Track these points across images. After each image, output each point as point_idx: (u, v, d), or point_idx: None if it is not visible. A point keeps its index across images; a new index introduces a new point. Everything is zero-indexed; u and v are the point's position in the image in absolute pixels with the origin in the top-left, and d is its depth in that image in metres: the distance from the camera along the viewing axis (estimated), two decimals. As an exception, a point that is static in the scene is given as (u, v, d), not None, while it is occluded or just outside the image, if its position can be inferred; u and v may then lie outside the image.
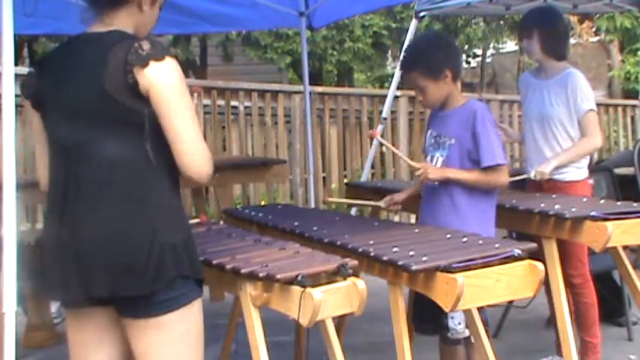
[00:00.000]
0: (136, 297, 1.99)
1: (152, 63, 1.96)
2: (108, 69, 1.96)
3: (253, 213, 3.49)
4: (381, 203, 3.32)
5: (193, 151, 2.02)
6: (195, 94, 2.47)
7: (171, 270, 1.99)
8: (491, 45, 12.85)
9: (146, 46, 1.97)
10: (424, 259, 2.37)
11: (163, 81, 1.97)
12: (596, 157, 7.31)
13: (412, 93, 6.86)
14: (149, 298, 1.99)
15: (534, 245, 2.55)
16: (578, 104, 3.51)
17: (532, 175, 3.52)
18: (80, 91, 2.00)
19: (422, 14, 5.34)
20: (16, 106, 2.22)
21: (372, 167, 6.50)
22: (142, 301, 1.99)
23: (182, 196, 5.54)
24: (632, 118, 9.63)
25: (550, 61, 3.61)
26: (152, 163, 2.00)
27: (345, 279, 2.20)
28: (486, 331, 2.87)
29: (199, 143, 2.03)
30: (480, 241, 2.61)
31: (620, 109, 9.62)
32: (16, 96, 2.20)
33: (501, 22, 11.00)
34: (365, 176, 5.57)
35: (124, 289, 1.98)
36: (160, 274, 1.97)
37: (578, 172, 3.58)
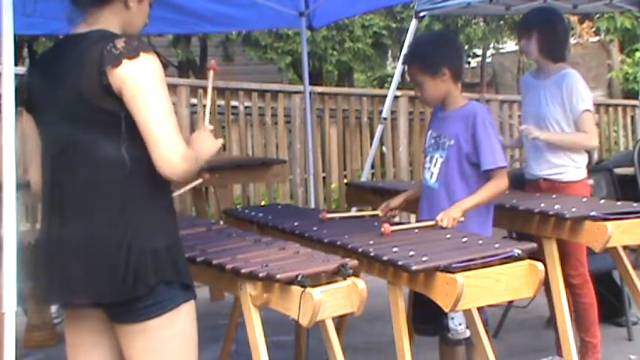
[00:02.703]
0: (121, 302, 1.97)
1: (125, 61, 1.91)
2: (84, 71, 1.93)
3: (253, 213, 3.49)
4: (379, 212, 3.26)
5: (163, 147, 1.92)
6: (212, 71, 2.39)
7: (151, 276, 1.96)
8: (491, 45, 12.83)
9: (120, 44, 1.93)
10: (424, 259, 2.37)
11: (134, 77, 1.91)
12: (596, 157, 7.32)
13: (412, 93, 6.88)
14: (133, 303, 1.97)
15: (534, 245, 2.55)
16: (573, 104, 3.50)
17: (521, 127, 3.54)
18: (62, 94, 1.98)
19: (422, 14, 5.35)
20: (16, 106, 2.22)
21: (372, 167, 6.50)
22: (127, 306, 1.97)
23: (182, 196, 5.49)
24: (632, 118, 9.63)
25: (546, 62, 3.61)
26: (127, 166, 1.95)
27: (345, 279, 2.20)
28: (486, 331, 2.87)
29: (171, 139, 1.93)
30: (480, 241, 2.61)
31: (620, 109, 9.62)
32: (15, 96, 2.20)
33: (501, 22, 11.00)
34: (365, 176, 5.58)
35: (104, 295, 1.97)
36: (139, 280, 1.94)
37: (576, 172, 3.57)
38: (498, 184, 2.94)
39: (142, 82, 1.92)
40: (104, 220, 1.96)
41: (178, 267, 2.04)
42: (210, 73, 2.38)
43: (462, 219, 2.86)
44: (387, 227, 2.80)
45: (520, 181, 3.71)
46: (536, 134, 3.48)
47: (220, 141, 2.16)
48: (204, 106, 2.37)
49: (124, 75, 1.91)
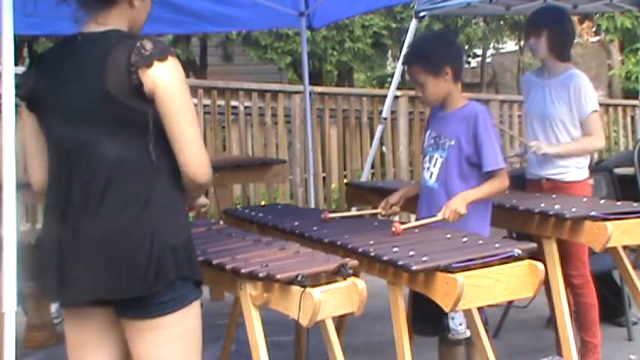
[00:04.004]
0: (136, 298, 1.98)
1: (156, 63, 1.95)
2: (110, 70, 1.95)
3: (253, 213, 3.49)
4: (380, 210, 3.27)
5: (195, 152, 2.01)
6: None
7: (171, 271, 1.98)
8: (491, 45, 12.85)
9: (148, 45, 1.97)
10: (424, 259, 2.37)
11: (167, 81, 1.97)
12: (596, 157, 7.32)
13: (412, 93, 6.89)
14: (149, 299, 1.98)
15: (534, 245, 2.55)
16: (582, 105, 3.51)
17: (531, 143, 3.53)
18: (81, 92, 1.98)
19: (422, 14, 5.35)
20: (16, 106, 2.22)
21: (372, 167, 6.49)
22: (142, 302, 1.98)
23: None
24: (632, 118, 9.63)
25: (554, 61, 3.60)
26: (154, 163, 1.99)
27: (345, 279, 2.20)
28: (486, 331, 2.87)
29: (200, 145, 2.03)
30: (480, 241, 2.61)
31: (620, 109, 9.63)
32: (16, 96, 2.20)
33: (501, 22, 11.01)
34: (365, 176, 5.58)
35: (124, 291, 1.97)
36: (160, 276, 1.96)
37: (578, 173, 3.58)
38: (501, 183, 2.95)
39: (172, 86, 1.97)
40: (127, 217, 1.96)
41: (193, 263, 2.07)
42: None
43: (465, 211, 2.86)
44: (397, 226, 2.80)
45: (521, 181, 3.71)
46: (546, 150, 3.48)
47: (206, 201, 2.34)
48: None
49: (156, 76, 1.95)
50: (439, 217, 2.86)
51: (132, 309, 2.01)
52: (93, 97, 1.97)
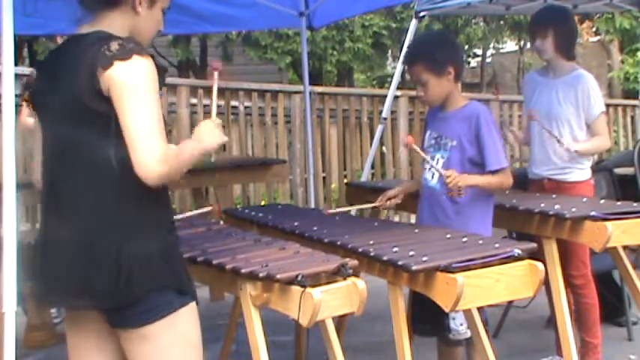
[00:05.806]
0: (117, 307, 1.96)
1: (116, 63, 1.89)
2: (80, 72, 1.92)
3: (253, 213, 3.49)
4: (377, 203, 3.28)
5: (139, 149, 1.88)
6: (216, 73, 2.33)
7: (146, 281, 1.94)
8: (491, 45, 12.85)
9: (114, 46, 1.92)
10: (424, 259, 2.37)
11: (121, 78, 1.89)
12: (596, 157, 7.33)
13: (412, 93, 6.89)
14: (131, 308, 1.95)
15: (534, 245, 2.55)
16: (590, 107, 3.51)
17: (564, 141, 3.48)
18: (60, 94, 1.98)
19: (422, 14, 5.34)
20: (16, 106, 2.22)
21: (372, 167, 6.50)
22: (124, 311, 1.96)
23: (182, 197, 5.47)
24: (632, 118, 9.64)
25: (560, 60, 3.60)
26: (116, 169, 1.92)
27: (345, 279, 2.20)
28: (486, 331, 2.86)
29: (148, 141, 1.89)
30: (480, 241, 2.61)
31: (620, 109, 9.63)
32: (16, 96, 2.20)
33: (501, 22, 11.01)
34: (365, 176, 5.58)
35: (96, 301, 1.95)
36: (131, 286, 1.92)
37: (581, 173, 3.58)
38: (505, 179, 2.96)
39: (127, 83, 1.90)
40: (97, 224, 1.94)
41: (174, 272, 2.02)
42: (215, 75, 2.36)
43: (464, 186, 2.85)
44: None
45: (522, 181, 3.71)
46: (574, 148, 3.47)
47: (226, 138, 2.17)
48: (211, 102, 2.34)
49: (113, 76, 1.90)
50: (443, 172, 2.86)
51: (116, 318, 2.00)
52: (68, 100, 1.96)
